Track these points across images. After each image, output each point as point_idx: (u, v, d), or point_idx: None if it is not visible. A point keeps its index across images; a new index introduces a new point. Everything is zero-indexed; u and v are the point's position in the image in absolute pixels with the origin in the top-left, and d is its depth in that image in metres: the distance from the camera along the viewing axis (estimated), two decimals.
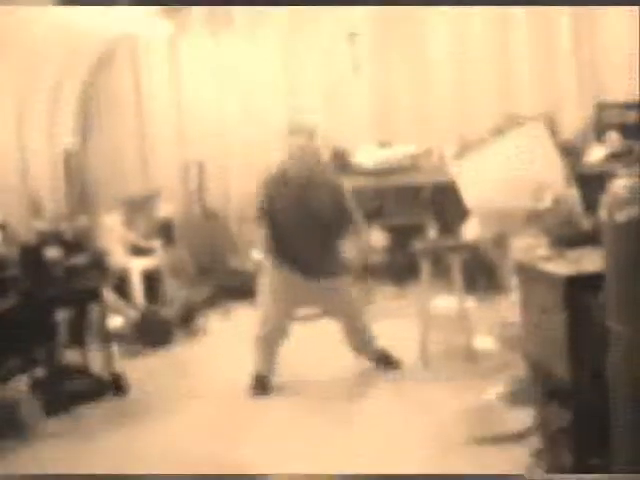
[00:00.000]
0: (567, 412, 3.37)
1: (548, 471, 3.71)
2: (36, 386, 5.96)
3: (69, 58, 9.23)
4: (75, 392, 5.89)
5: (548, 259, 3.65)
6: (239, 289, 8.74)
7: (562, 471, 3.47)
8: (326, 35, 9.70)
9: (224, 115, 10.00)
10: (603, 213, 2.92)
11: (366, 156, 8.91)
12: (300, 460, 4.49)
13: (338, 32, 9.60)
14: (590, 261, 3.34)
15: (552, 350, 3.43)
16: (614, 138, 8.32)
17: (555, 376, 3.46)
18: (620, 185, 2.92)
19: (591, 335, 3.09)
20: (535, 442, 3.98)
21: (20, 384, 5.90)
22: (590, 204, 5.29)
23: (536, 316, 3.61)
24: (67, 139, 9.60)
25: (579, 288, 3.19)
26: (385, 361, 5.97)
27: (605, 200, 2.93)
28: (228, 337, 7.35)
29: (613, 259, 2.82)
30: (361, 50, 9.58)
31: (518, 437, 4.33)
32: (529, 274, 3.71)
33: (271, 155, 9.70)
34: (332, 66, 9.70)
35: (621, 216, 2.80)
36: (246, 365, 5.61)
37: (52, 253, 5.95)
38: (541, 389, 3.73)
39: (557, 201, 5.62)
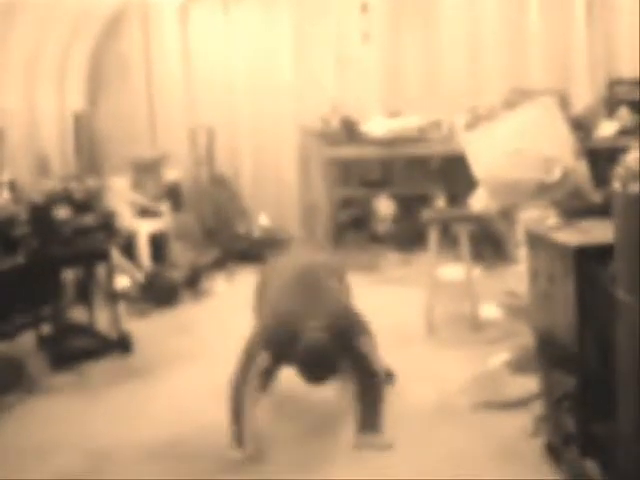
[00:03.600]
0: (572, 380, 3.40)
1: (551, 437, 3.76)
2: (43, 343, 6.03)
3: (79, 20, 9.21)
4: (81, 349, 5.96)
5: (558, 229, 3.67)
6: (245, 253, 8.82)
7: (565, 438, 3.52)
8: (337, 4, 9.67)
9: (233, 81, 9.99)
10: (616, 184, 2.94)
11: (375, 125, 8.92)
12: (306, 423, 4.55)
13: (350, 1, 9.58)
14: (600, 232, 3.36)
15: (559, 319, 3.46)
16: (625, 114, 8.32)
17: (561, 344, 3.49)
18: (634, 157, 2.94)
19: (599, 305, 3.12)
20: (539, 409, 4.03)
21: (27, 340, 5.97)
22: (599, 178, 5.32)
23: (544, 285, 3.64)
24: (76, 101, 9.60)
25: (588, 258, 3.21)
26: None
27: (618, 172, 2.96)
28: (233, 299, 7.39)
29: (624, 230, 2.84)
30: (372, 20, 9.55)
31: (522, 404, 4.38)
32: (538, 243, 3.73)
33: (280, 123, 9.80)
34: (343, 34, 9.68)
35: (634, 187, 2.82)
36: (250, 326, 5.62)
37: (61, 213, 5.97)
38: (547, 357, 3.77)
39: (566, 175, 5.64)
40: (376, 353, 4.31)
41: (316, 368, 4.16)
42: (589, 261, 3.22)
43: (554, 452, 3.75)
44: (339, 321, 4.20)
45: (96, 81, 10.02)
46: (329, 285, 4.50)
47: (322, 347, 4.10)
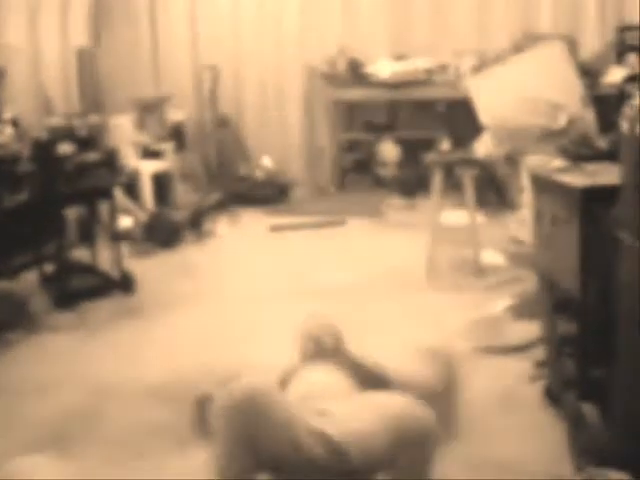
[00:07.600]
0: (573, 324, 3.40)
1: (551, 382, 3.77)
2: (45, 281, 6.03)
3: None
4: (83, 288, 5.95)
5: (564, 171, 3.64)
6: (248, 195, 8.82)
7: (565, 383, 3.53)
8: None
9: (239, 21, 9.85)
10: (624, 126, 2.90)
11: (382, 68, 8.84)
12: None
13: None
14: (606, 175, 3.33)
15: (562, 262, 3.45)
16: (633, 60, 8.23)
17: (564, 288, 3.48)
18: None
19: (602, 248, 3.10)
20: (539, 354, 4.03)
21: (30, 278, 5.98)
22: (606, 125, 5.27)
23: (548, 228, 3.63)
24: (80, 37, 9.48)
25: (594, 200, 3.19)
26: None
27: (627, 113, 2.91)
28: (235, 241, 7.41)
29: (630, 172, 2.81)
30: None
31: (522, 349, 4.39)
32: (544, 185, 3.71)
33: (286, 64, 9.70)
34: None
35: None
36: (252, 268, 5.63)
37: (64, 149, 5.94)
38: (549, 301, 3.76)
39: (572, 121, 5.60)
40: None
41: None
42: (594, 203, 3.19)
43: (553, 397, 3.77)
44: None
45: (100, 18, 9.88)
46: None
47: None
